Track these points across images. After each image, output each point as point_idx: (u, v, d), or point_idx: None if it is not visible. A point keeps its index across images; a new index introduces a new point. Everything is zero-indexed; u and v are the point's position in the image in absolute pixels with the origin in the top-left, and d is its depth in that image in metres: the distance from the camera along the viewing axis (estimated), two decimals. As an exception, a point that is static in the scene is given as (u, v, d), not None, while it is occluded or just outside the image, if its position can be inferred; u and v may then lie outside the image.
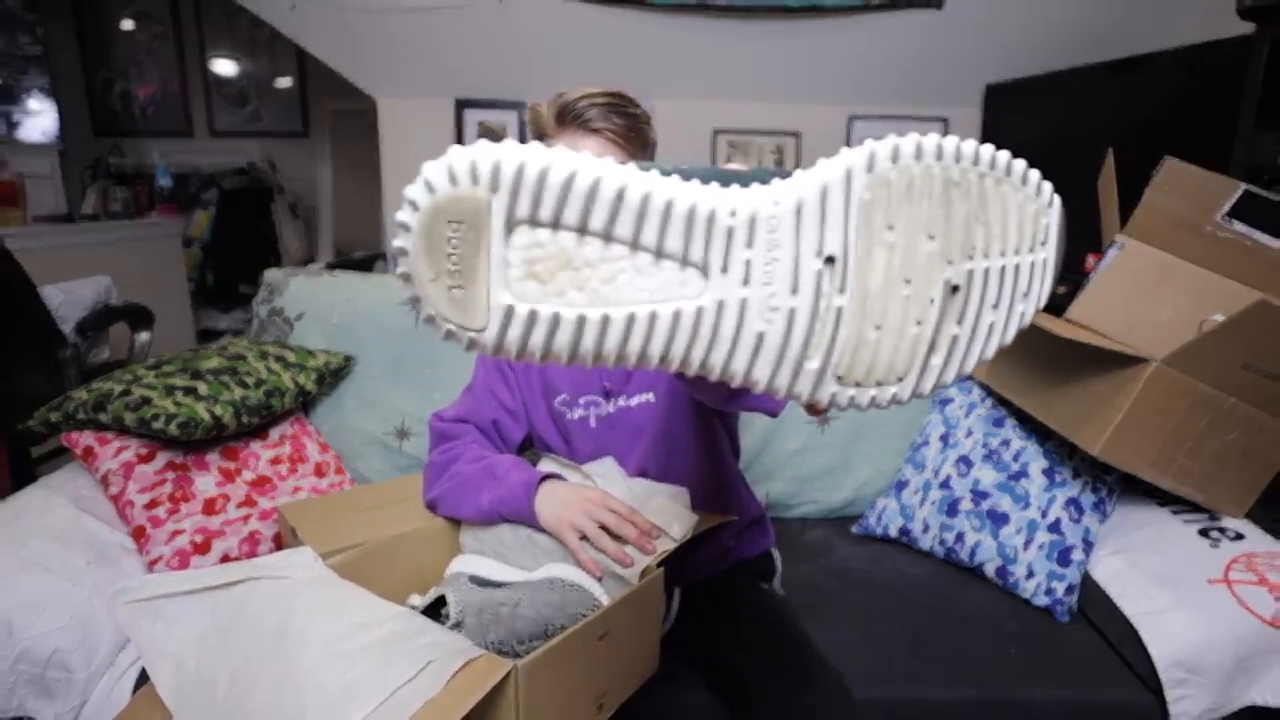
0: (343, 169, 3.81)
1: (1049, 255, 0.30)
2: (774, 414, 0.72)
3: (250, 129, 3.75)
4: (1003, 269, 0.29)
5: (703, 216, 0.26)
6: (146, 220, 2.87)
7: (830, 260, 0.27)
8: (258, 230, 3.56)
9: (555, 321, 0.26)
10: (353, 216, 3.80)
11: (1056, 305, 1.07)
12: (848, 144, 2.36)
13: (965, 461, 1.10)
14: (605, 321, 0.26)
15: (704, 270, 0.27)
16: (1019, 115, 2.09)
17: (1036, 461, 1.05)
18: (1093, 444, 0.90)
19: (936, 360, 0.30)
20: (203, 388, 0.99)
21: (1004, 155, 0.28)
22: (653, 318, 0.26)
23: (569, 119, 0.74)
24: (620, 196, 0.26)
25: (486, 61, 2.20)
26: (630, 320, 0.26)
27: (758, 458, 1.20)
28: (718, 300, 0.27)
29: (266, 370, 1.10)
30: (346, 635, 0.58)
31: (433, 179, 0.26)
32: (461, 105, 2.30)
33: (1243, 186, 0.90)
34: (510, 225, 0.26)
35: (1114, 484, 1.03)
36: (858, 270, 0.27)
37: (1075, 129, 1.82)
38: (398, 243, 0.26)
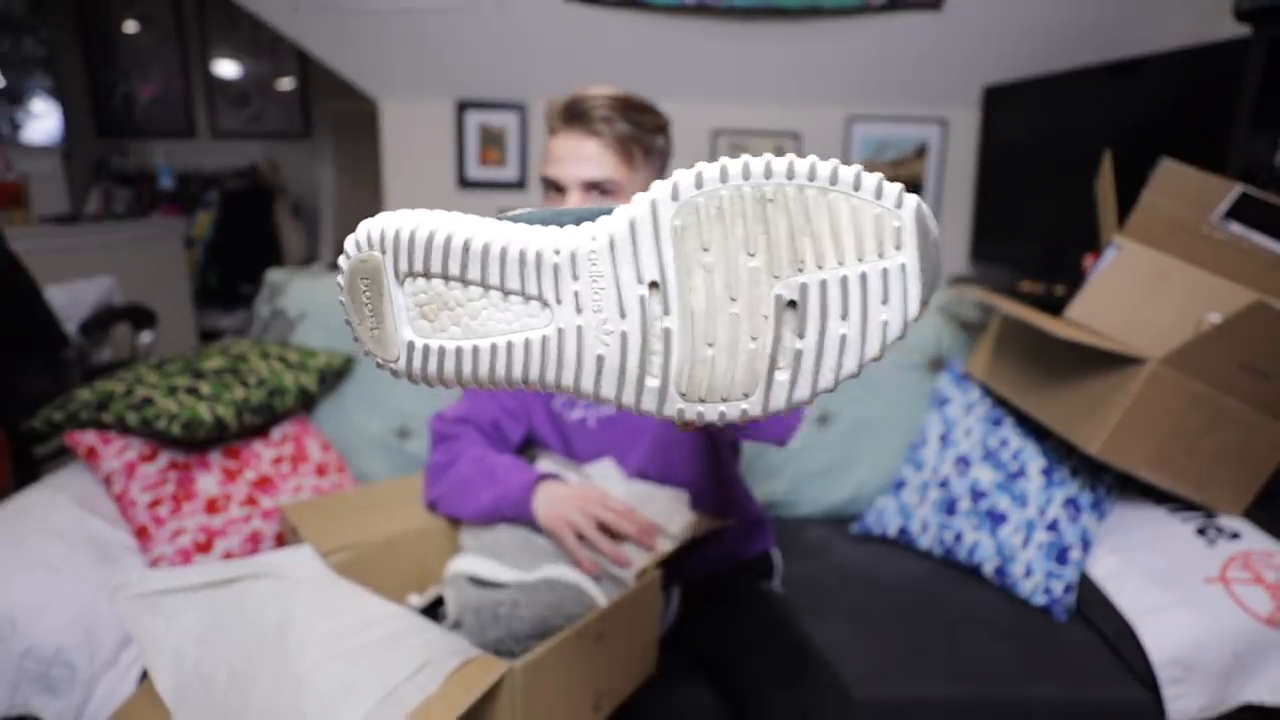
0: (344, 170, 3.82)
1: (908, 260, 0.27)
2: (781, 444, 0.71)
3: (252, 130, 3.76)
4: (844, 279, 0.28)
5: (531, 258, 0.30)
6: (149, 221, 2.88)
7: (655, 285, 0.29)
8: (260, 231, 3.57)
9: (441, 353, 0.32)
10: (354, 217, 3.80)
11: (1055, 305, 1.08)
12: (847, 144, 2.36)
13: (964, 461, 1.10)
14: (475, 351, 0.32)
15: (543, 303, 0.31)
16: (1018, 116, 2.09)
17: (1035, 461, 1.05)
18: (1091, 443, 0.90)
19: (783, 376, 0.30)
20: (205, 388, 1.00)
21: (828, 165, 0.27)
22: (510, 346, 0.31)
23: (574, 118, 0.74)
24: (467, 247, 0.31)
25: (487, 63, 2.20)
26: (493, 350, 0.31)
27: (758, 458, 1.21)
28: (558, 329, 0.31)
29: (268, 370, 1.10)
30: (345, 634, 0.58)
31: (348, 247, 0.32)
32: (462, 106, 2.30)
33: (1239, 187, 0.91)
34: (400, 278, 0.32)
35: (1112, 483, 1.03)
36: (680, 293, 0.29)
37: (1073, 130, 1.83)
38: (338, 297, 0.33)
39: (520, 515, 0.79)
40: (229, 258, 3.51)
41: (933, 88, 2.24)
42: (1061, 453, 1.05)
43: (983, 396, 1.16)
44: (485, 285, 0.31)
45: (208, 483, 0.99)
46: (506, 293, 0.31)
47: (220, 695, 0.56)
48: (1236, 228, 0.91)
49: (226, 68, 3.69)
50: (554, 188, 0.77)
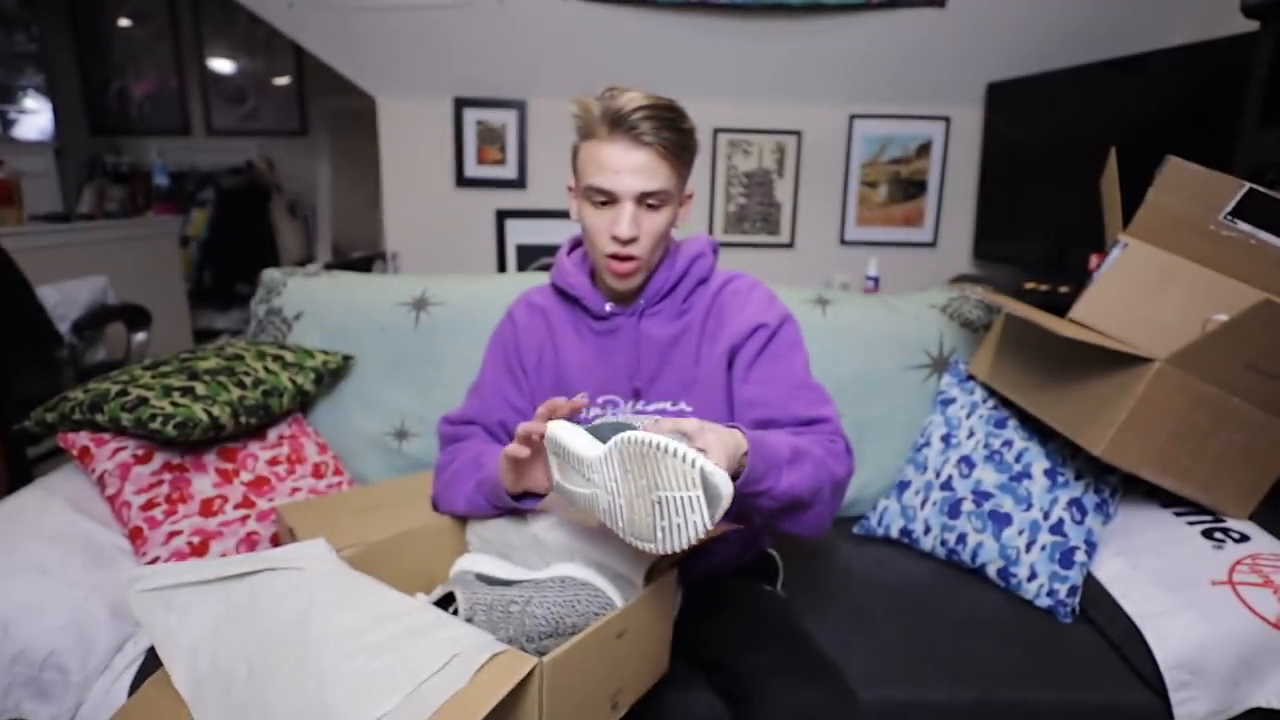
0: (341, 168, 3.79)
1: (699, 493, 0.56)
2: (816, 536, 0.76)
3: (248, 128, 3.74)
4: (675, 498, 0.57)
5: (580, 459, 0.65)
6: (143, 219, 2.85)
7: (615, 481, 0.61)
8: (255, 229, 3.55)
9: (562, 488, 0.69)
10: (351, 216, 3.80)
11: (1060, 305, 1.07)
12: (849, 143, 2.35)
13: (967, 462, 1.10)
14: (569, 493, 0.69)
15: (587, 479, 0.65)
16: (1021, 113, 2.08)
17: (1039, 462, 1.04)
18: (1095, 444, 0.90)
19: (660, 535, 0.59)
20: (200, 388, 0.99)
21: (669, 442, 0.56)
22: (580, 494, 0.66)
23: (622, 128, 0.73)
24: (564, 446, 0.67)
25: (486, 60, 2.19)
26: (572, 493, 0.68)
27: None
28: (592, 491, 0.64)
29: (264, 370, 1.09)
30: (367, 628, 0.57)
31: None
32: (461, 104, 2.29)
33: (1246, 185, 0.90)
34: (553, 454, 0.70)
35: (1117, 485, 1.02)
36: (622, 488, 0.60)
37: (1077, 127, 1.82)
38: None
39: (496, 495, 0.78)
40: (225, 257, 3.48)
41: (935, 85, 2.23)
42: (1066, 454, 1.04)
43: (986, 397, 1.15)
44: (570, 463, 0.67)
45: (203, 484, 0.97)
46: (579, 472, 0.65)
47: (239, 690, 0.55)
48: (1243, 226, 0.90)
49: (222, 64, 3.67)
50: (604, 195, 0.76)
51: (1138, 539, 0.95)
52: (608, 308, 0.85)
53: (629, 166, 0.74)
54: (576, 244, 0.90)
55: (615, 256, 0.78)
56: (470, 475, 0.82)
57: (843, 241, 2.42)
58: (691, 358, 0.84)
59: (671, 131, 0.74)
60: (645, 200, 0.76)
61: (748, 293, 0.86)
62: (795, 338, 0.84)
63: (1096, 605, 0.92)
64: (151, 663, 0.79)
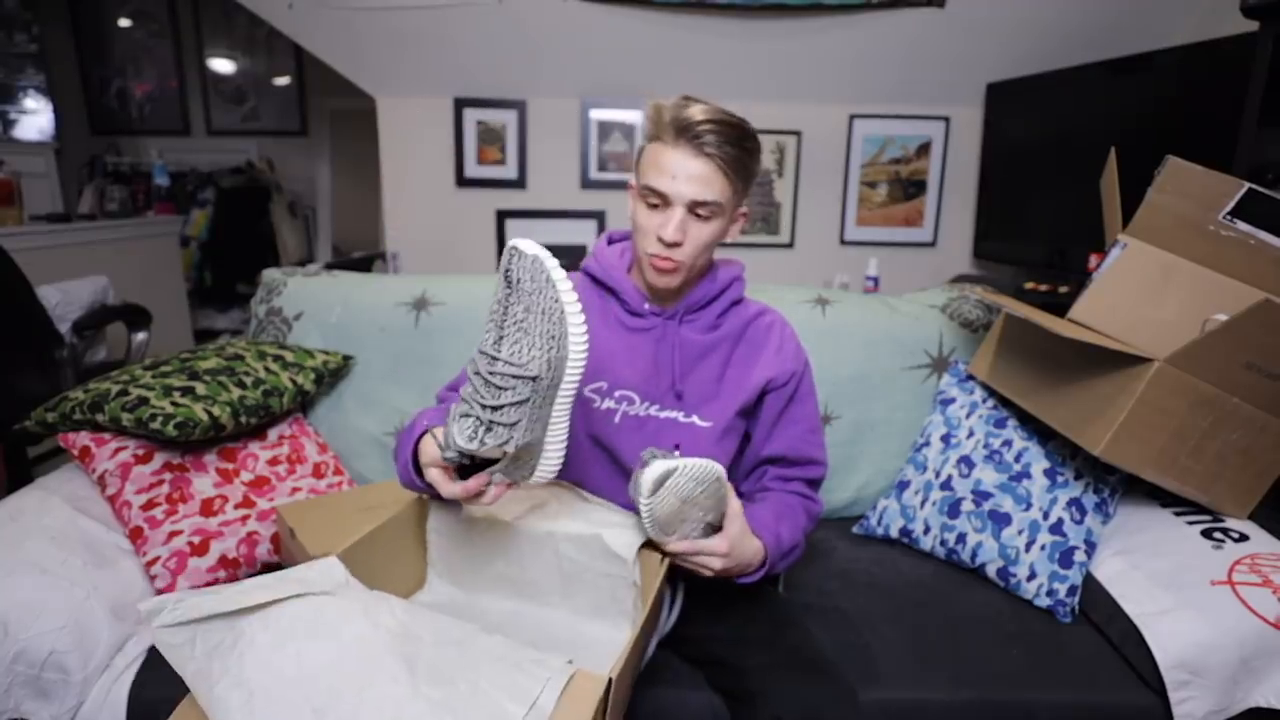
0: (341, 168, 3.80)
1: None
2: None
3: (248, 128, 3.74)
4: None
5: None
6: (144, 219, 2.85)
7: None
8: (256, 229, 3.55)
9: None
10: (351, 216, 3.80)
11: (1059, 305, 1.07)
12: (849, 142, 2.35)
13: (967, 462, 1.10)
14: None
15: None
16: (1021, 114, 2.09)
17: (1038, 462, 1.04)
18: (1095, 444, 0.90)
19: (685, 529, 0.73)
20: (200, 388, 0.99)
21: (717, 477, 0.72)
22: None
23: (686, 136, 0.75)
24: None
25: (486, 60, 2.19)
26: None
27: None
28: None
29: (265, 370, 1.09)
30: (433, 656, 0.57)
31: None
32: (461, 104, 2.29)
33: (1246, 185, 0.90)
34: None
35: (1116, 485, 1.02)
36: (662, 508, 0.70)
37: (1077, 127, 1.82)
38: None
39: (406, 473, 0.74)
40: (224, 257, 3.49)
41: (935, 85, 2.23)
42: (1065, 454, 1.04)
43: (985, 397, 1.15)
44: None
45: (203, 484, 0.97)
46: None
47: None
48: (1243, 226, 0.90)
49: (222, 64, 3.67)
50: (657, 197, 0.78)
51: (1137, 539, 0.95)
52: (646, 306, 0.86)
53: (686, 173, 0.76)
54: (613, 238, 0.92)
55: (658, 256, 0.80)
56: (402, 445, 0.76)
57: (843, 241, 2.42)
58: (716, 373, 0.86)
59: (734, 147, 0.76)
60: (696, 209, 0.77)
61: (781, 330, 0.91)
62: (813, 381, 0.92)
63: (1096, 605, 0.93)
64: (153, 662, 0.80)
